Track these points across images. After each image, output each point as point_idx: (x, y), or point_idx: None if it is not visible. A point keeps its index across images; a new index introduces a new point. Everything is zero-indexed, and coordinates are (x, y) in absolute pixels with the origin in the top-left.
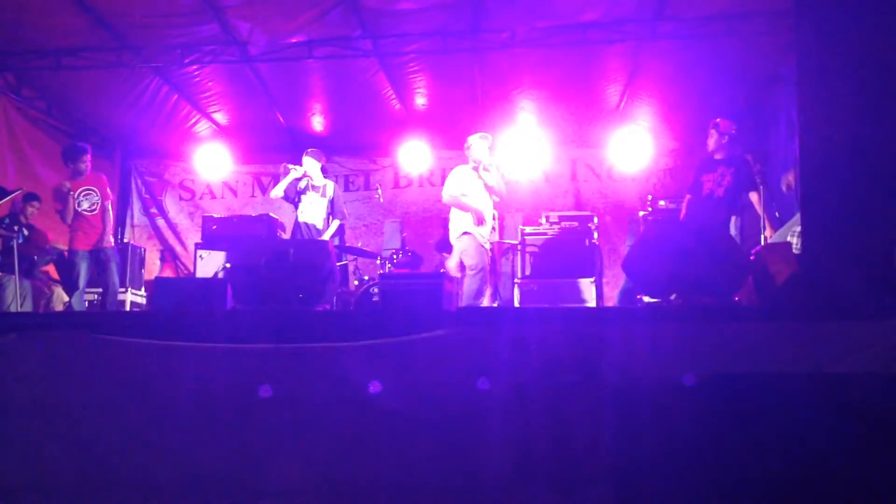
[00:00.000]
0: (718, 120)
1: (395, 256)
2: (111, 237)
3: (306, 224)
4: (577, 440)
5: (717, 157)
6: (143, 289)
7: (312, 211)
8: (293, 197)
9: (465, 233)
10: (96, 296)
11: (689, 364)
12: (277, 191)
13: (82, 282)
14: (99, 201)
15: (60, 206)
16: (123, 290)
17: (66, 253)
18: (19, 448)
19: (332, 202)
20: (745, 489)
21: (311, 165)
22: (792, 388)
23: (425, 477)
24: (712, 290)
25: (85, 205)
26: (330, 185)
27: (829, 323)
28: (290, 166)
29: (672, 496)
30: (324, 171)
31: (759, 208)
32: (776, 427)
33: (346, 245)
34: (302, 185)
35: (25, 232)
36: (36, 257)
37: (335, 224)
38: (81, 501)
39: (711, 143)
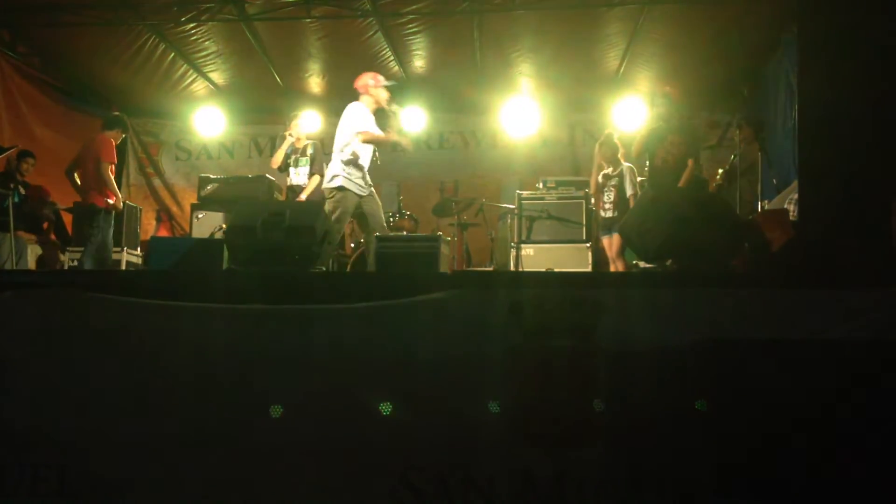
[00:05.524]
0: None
1: (392, 219)
2: None
3: (292, 188)
4: (572, 404)
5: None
6: (138, 248)
7: (300, 173)
8: (284, 164)
9: None
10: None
11: (684, 329)
12: (277, 158)
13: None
14: None
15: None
16: (119, 249)
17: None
18: (13, 405)
19: (312, 160)
20: (736, 454)
21: (302, 129)
22: (786, 354)
23: (419, 438)
24: (708, 256)
25: None
26: (311, 144)
27: (824, 290)
28: (288, 134)
29: (664, 461)
30: None
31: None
32: (770, 393)
33: None
34: (290, 149)
35: (22, 190)
36: (39, 214)
37: (314, 181)
38: (77, 458)
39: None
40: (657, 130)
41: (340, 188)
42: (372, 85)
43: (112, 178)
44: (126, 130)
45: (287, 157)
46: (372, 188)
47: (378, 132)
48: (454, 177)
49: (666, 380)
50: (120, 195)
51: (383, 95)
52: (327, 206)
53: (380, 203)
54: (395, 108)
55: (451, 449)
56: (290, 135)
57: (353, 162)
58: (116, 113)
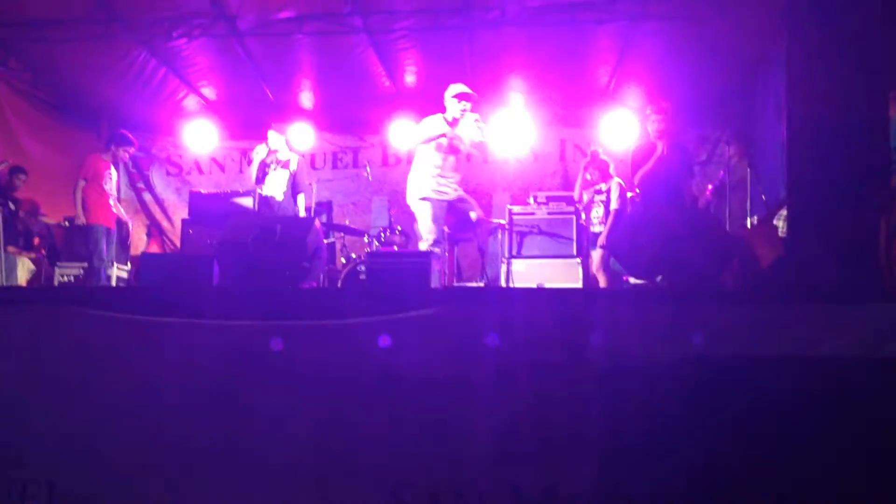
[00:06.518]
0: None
1: (382, 234)
2: None
3: (265, 197)
4: (562, 420)
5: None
6: (128, 264)
7: (273, 184)
8: (261, 176)
9: None
10: (81, 270)
11: (674, 346)
12: (251, 173)
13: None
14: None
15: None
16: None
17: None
18: (2, 421)
19: (294, 175)
20: (727, 470)
21: (275, 140)
22: (775, 370)
23: (409, 454)
24: (698, 273)
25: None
26: (294, 159)
27: (813, 306)
28: (254, 154)
29: (654, 477)
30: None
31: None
32: (759, 409)
33: (334, 222)
34: (268, 160)
35: (12, 206)
36: (30, 229)
37: (301, 198)
38: (65, 476)
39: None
40: (654, 146)
41: (423, 199)
42: (447, 97)
43: (79, 194)
44: (121, 145)
45: (265, 167)
46: (460, 191)
47: (428, 134)
48: None
49: (656, 396)
50: (80, 211)
51: (455, 105)
52: (422, 217)
53: (473, 202)
54: (469, 116)
55: (441, 465)
56: (268, 145)
57: (425, 171)
58: (123, 132)
